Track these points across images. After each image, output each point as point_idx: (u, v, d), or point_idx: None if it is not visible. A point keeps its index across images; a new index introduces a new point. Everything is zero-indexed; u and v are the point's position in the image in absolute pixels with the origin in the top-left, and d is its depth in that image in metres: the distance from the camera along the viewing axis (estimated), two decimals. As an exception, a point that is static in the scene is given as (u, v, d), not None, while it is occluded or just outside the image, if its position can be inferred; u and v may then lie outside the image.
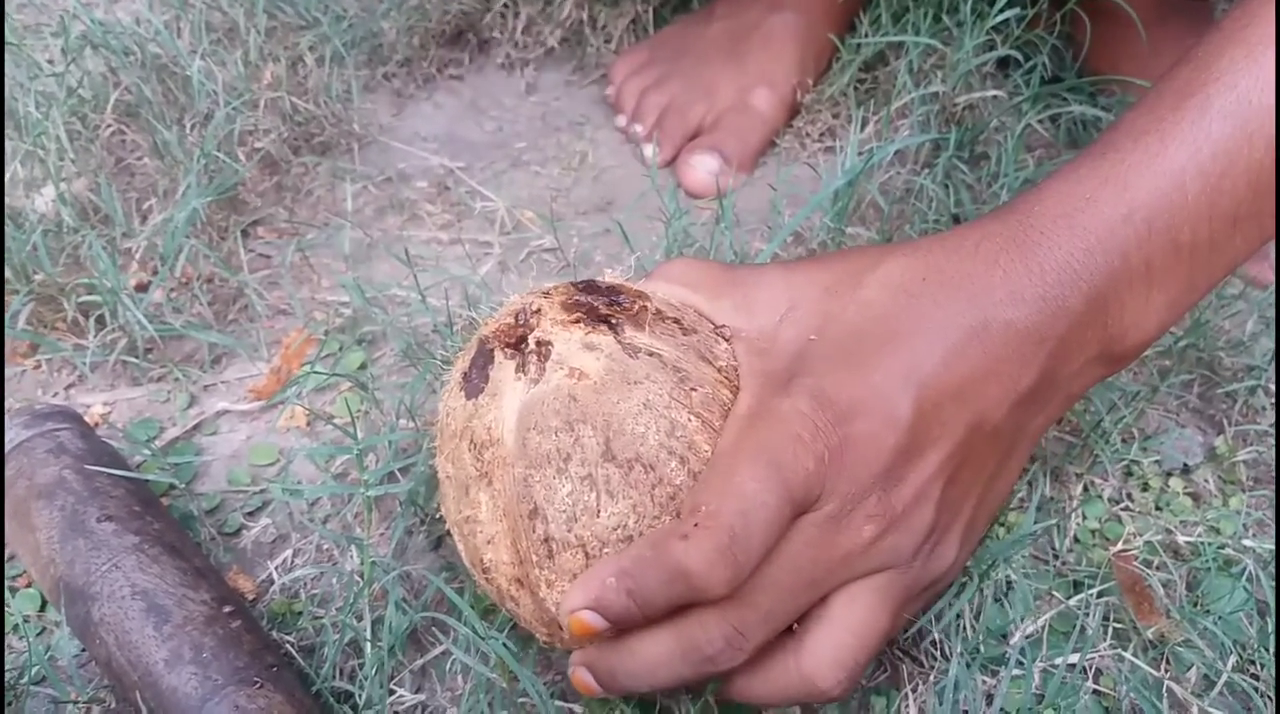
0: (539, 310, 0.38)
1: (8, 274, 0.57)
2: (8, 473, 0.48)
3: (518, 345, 0.37)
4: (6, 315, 0.56)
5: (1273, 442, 0.54)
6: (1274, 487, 0.53)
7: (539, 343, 0.37)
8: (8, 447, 0.48)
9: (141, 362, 0.58)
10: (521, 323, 0.38)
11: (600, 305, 0.38)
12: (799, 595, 0.35)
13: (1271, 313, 0.60)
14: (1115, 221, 0.36)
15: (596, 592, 0.34)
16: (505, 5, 0.78)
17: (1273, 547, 0.50)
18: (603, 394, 0.36)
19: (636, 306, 0.38)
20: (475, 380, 0.38)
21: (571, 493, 0.35)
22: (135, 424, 0.56)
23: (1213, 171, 0.36)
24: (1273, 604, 0.47)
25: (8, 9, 0.82)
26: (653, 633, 0.35)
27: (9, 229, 0.58)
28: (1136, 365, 0.58)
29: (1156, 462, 0.54)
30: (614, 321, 0.37)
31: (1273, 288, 0.60)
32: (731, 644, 0.34)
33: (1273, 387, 0.57)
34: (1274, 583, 0.48)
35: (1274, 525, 0.52)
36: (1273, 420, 0.56)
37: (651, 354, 0.37)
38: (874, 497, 0.35)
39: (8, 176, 0.64)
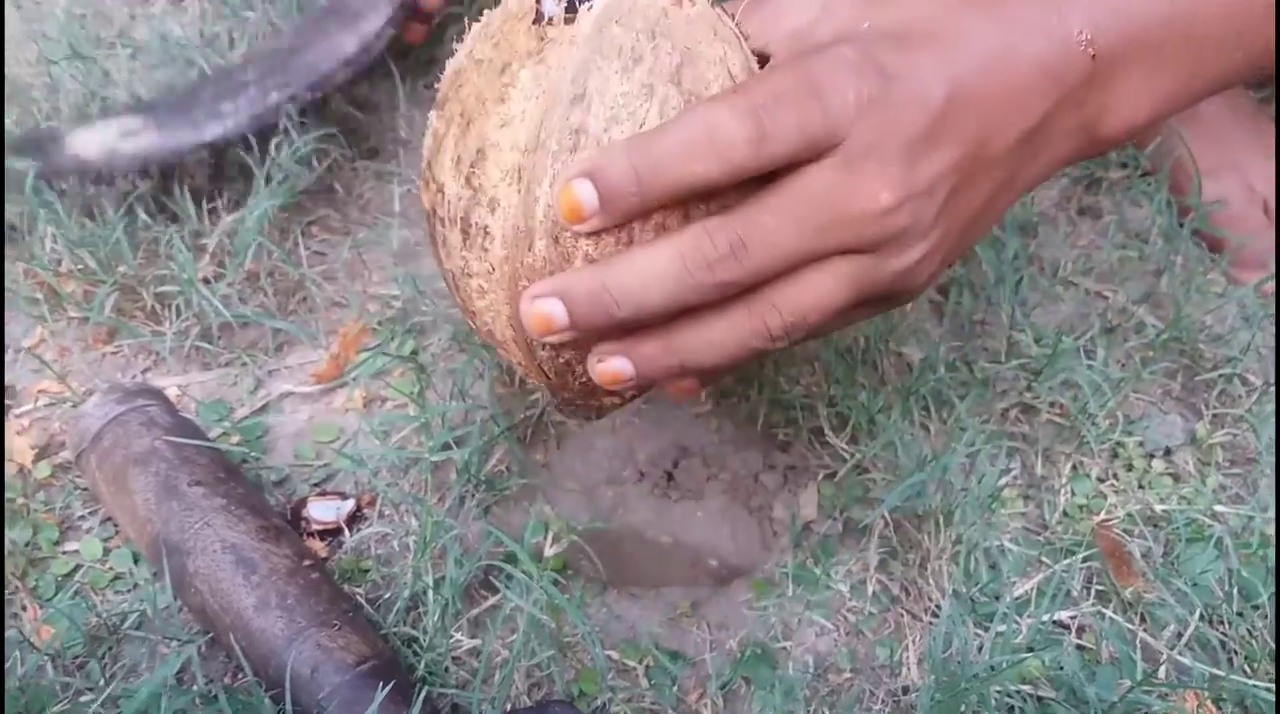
0: None
1: (93, 264, 0.64)
2: (105, 443, 0.54)
3: None
4: (93, 305, 0.63)
5: (1248, 425, 0.61)
6: (1247, 466, 0.59)
7: None
8: (104, 420, 0.55)
9: (213, 346, 0.65)
10: None
11: None
12: (804, 235, 0.35)
13: (1250, 308, 0.66)
14: None
15: (597, 157, 0.33)
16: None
17: (1244, 515, 0.56)
18: (692, 27, 0.36)
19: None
20: None
21: (626, 94, 0.34)
22: (207, 405, 0.63)
23: None
24: (1272, 593, 0.53)
25: (83, 15, 0.89)
26: (647, 247, 0.35)
27: (95, 224, 0.65)
28: (1124, 355, 0.64)
29: (1140, 444, 0.61)
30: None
31: (1250, 285, 0.66)
32: (734, 251, 0.34)
33: (1249, 375, 0.63)
34: (1275, 561, 0.54)
35: (1246, 499, 0.58)
36: (1249, 406, 0.62)
37: (738, 34, 0.38)
38: (895, 166, 0.35)
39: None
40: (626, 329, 0.36)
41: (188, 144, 0.68)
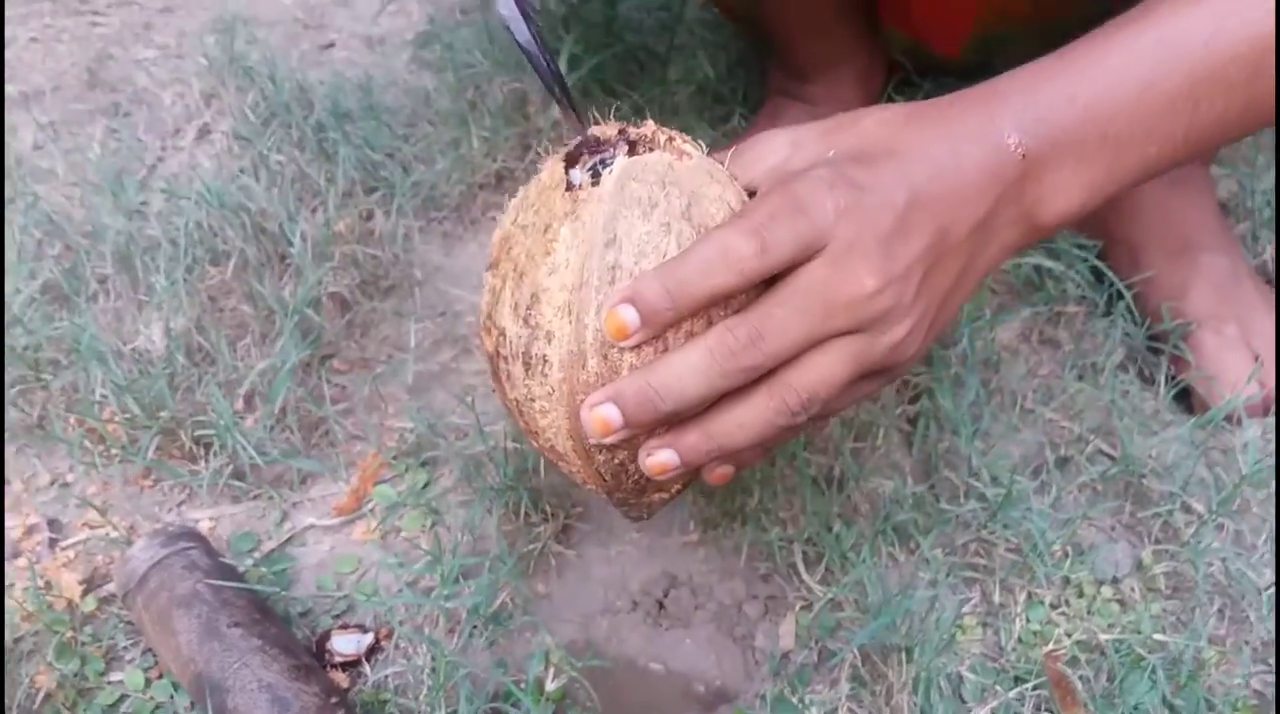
0: (638, 131, 0.46)
1: (136, 410, 0.71)
2: (151, 585, 0.61)
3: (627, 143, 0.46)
4: (137, 449, 0.70)
5: (1187, 557, 0.67)
6: (1186, 594, 0.66)
7: (647, 137, 0.46)
8: (149, 563, 0.61)
9: (243, 483, 0.71)
10: (623, 134, 0.46)
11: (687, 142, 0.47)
12: (808, 321, 0.42)
13: (1192, 442, 0.72)
14: (1062, 101, 0.46)
15: (633, 285, 0.42)
16: (537, 154, 0.92)
17: (1181, 643, 0.62)
18: (693, 175, 0.44)
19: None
20: (577, 156, 0.45)
21: (649, 233, 0.43)
22: (237, 536, 0.69)
23: (1142, 85, 0.46)
24: (1267, 654, 0.59)
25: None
26: (682, 348, 0.42)
27: (136, 369, 0.72)
28: (1075, 489, 0.70)
29: (1091, 571, 0.67)
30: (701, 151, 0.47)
31: (1190, 423, 0.72)
32: (752, 340, 0.41)
33: (1193, 503, 0.70)
34: (1275, 620, 0.59)
35: (1183, 627, 0.64)
36: (1190, 535, 0.68)
37: (730, 176, 0.47)
38: (875, 258, 0.42)
39: (117, 309, 0.78)
40: (669, 427, 0.44)
41: None
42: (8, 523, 0.70)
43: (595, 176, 0.44)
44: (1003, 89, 0.46)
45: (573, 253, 0.43)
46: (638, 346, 0.43)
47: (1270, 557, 0.67)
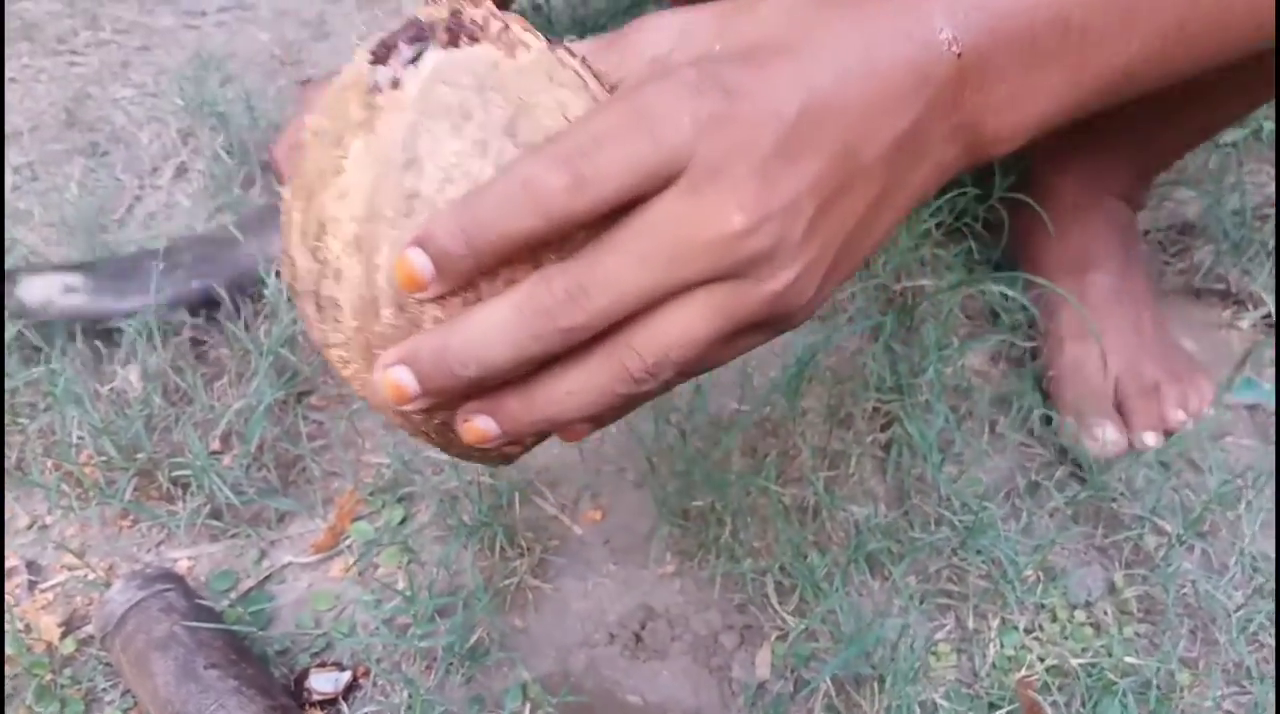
0: (475, 11, 0.36)
1: (113, 452, 0.72)
2: (128, 628, 0.62)
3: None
4: (114, 491, 0.71)
5: (1158, 580, 0.68)
6: (1158, 616, 0.67)
7: (473, 20, 0.36)
8: (127, 605, 0.62)
9: (221, 522, 0.72)
10: (456, 21, 0.36)
11: (552, 41, 0.37)
12: (651, 270, 0.33)
13: (1156, 467, 0.74)
14: None
15: (428, 226, 0.33)
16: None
17: (1153, 665, 0.63)
18: (525, 76, 0.35)
19: (573, 51, 0.37)
20: (392, 46, 0.35)
21: (458, 153, 0.33)
22: (216, 575, 0.70)
23: None
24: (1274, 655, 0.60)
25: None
26: (488, 302, 0.33)
27: (113, 411, 0.73)
28: (1047, 515, 0.72)
29: (1064, 594, 0.68)
30: (552, 44, 0.37)
31: (1155, 447, 0.74)
32: (572, 296, 0.32)
33: (1162, 525, 0.71)
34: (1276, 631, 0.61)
35: (1155, 649, 0.65)
36: (1160, 558, 0.69)
37: (578, 74, 0.36)
38: (748, 185, 0.32)
39: (95, 349, 0.80)
40: (491, 387, 0.35)
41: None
42: (-15, 567, 0.70)
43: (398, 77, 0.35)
44: None
45: (364, 174, 0.34)
46: (441, 298, 0.34)
47: (1240, 579, 0.69)
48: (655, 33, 0.37)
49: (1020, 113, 0.37)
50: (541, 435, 0.38)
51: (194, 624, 0.61)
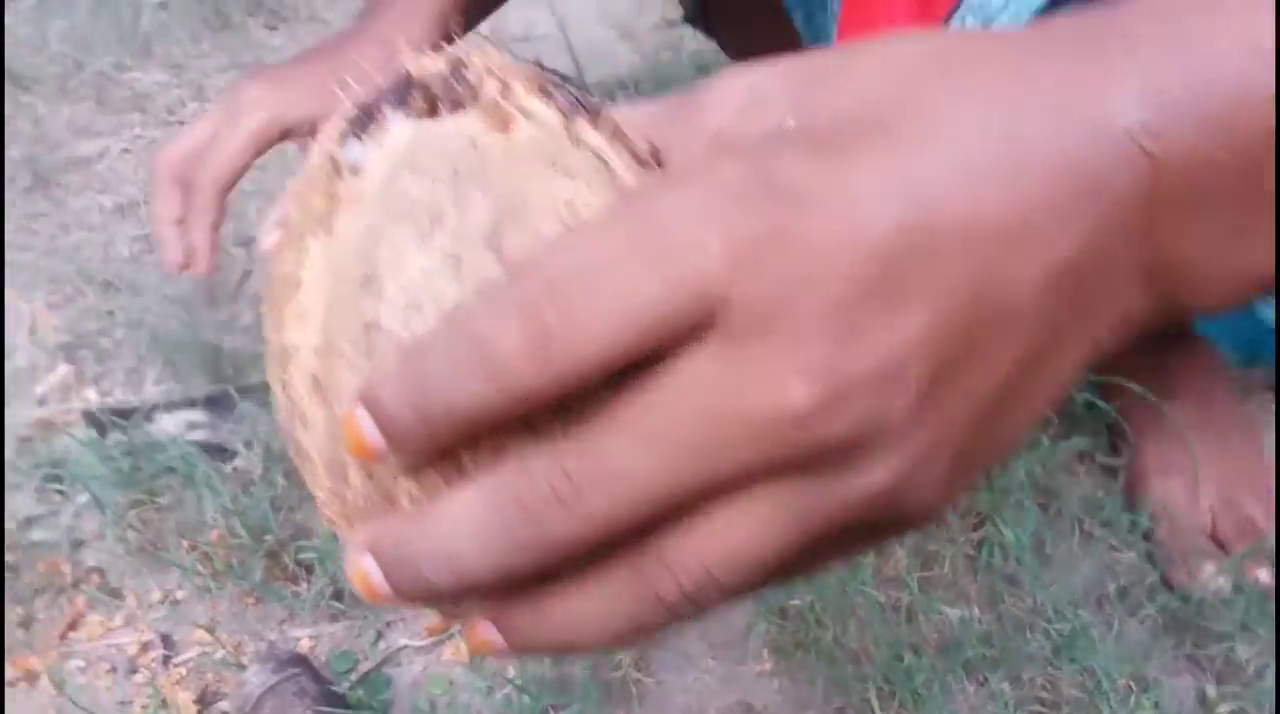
0: (478, 61, 0.27)
1: (243, 534, 0.77)
2: (265, 710, 0.66)
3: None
4: (244, 572, 0.76)
5: (1250, 695, 0.70)
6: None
7: (464, 80, 0.27)
8: (262, 688, 0.67)
9: (341, 603, 0.77)
10: (456, 73, 0.27)
11: (554, 84, 0.27)
12: (672, 462, 0.22)
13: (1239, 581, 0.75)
14: (1243, 49, 0.23)
15: (372, 388, 0.23)
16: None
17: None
18: (515, 162, 0.26)
19: (603, 111, 0.27)
20: (371, 113, 0.27)
21: (425, 270, 0.25)
22: (336, 656, 0.74)
23: None
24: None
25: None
26: (459, 488, 0.24)
27: (239, 490, 0.78)
28: (1137, 622, 0.74)
29: (1156, 709, 0.70)
30: (566, 107, 0.27)
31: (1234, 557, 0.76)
32: (560, 495, 0.22)
33: (1257, 637, 0.73)
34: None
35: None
36: (1253, 671, 0.71)
37: (600, 158, 0.26)
38: (815, 341, 0.21)
39: (213, 424, 0.85)
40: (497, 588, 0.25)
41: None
42: (125, 639, 0.75)
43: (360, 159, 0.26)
44: (1126, 28, 0.24)
45: (320, 291, 0.26)
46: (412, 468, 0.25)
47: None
48: (723, 93, 0.27)
49: (1248, 257, 0.25)
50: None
51: (325, 709, 0.66)
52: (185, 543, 0.79)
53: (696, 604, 0.24)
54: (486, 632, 0.26)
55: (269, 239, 0.32)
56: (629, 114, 0.28)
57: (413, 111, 0.26)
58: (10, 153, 1.23)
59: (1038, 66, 0.24)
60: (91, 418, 0.90)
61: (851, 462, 0.22)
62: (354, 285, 0.25)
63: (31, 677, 0.74)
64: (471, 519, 0.23)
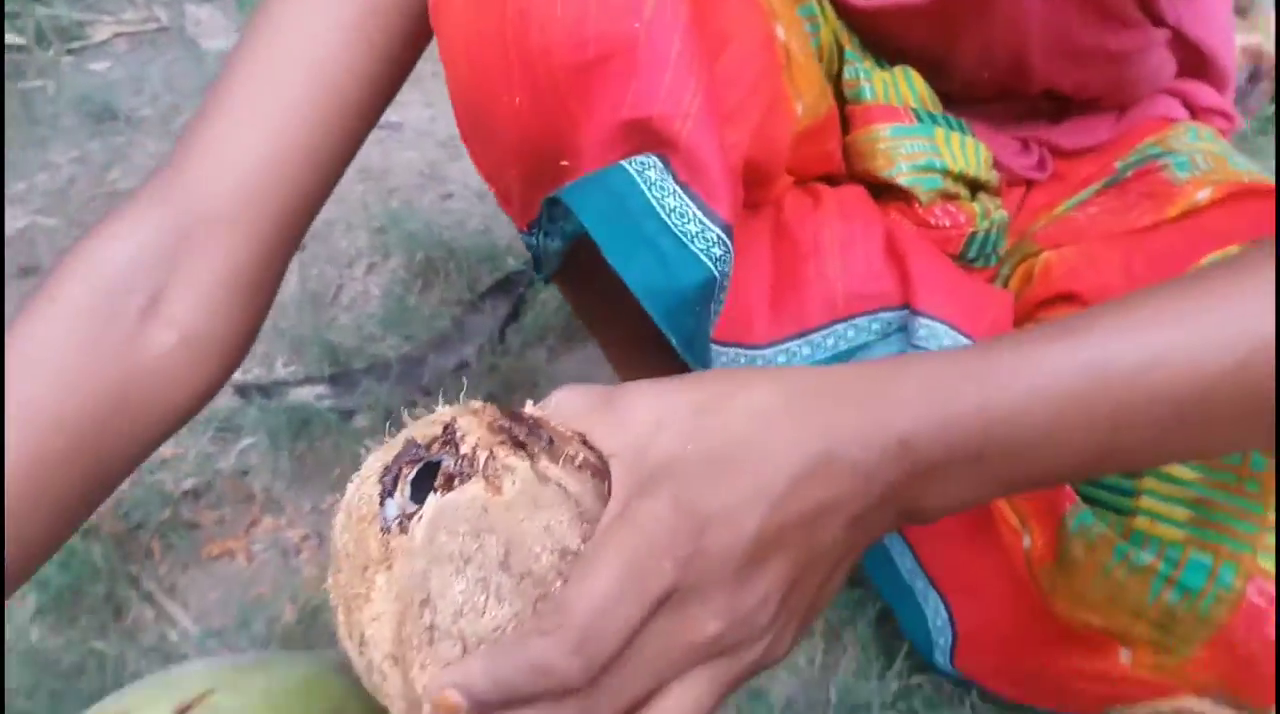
0: (466, 428, 0.42)
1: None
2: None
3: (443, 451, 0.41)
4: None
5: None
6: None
7: (464, 455, 0.41)
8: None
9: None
10: (449, 436, 0.42)
11: (520, 435, 0.42)
12: (644, 680, 0.39)
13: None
14: (970, 411, 0.41)
15: (464, 675, 0.38)
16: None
17: None
18: (511, 511, 0.40)
19: (555, 444, 0.42)
20: (395, 475, 0.42)
21: (464, 591, 0.40)
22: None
23: (1061, 405, 0.42)
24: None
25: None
26: None
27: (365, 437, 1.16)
28: None
29: None
30: (532, 451, 0.41)
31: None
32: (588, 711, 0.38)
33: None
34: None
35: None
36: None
37: (560, 485, 0.41)
38: (720, 599, 0.39)
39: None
40: None
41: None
42: (290, 533, 1.12)
43: (418, 498, 0.41)
44: (904, 383, 0.42)
45: (389, 606, 0.41)
46: None
47: None
48: (639, 411, 0.42)
49: (953, 500, 0.44)
50: None
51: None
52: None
53: None
54: None
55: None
56: (567, 404, 0.44)
57: (438, 486, 0.40)
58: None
59: (850, 415, 0.41)
60: (240, 390, 1.26)
61: (744, 648, 0.41)
62: (416, 605, 0.40)
63: (229, 554, 1.10)
64: None
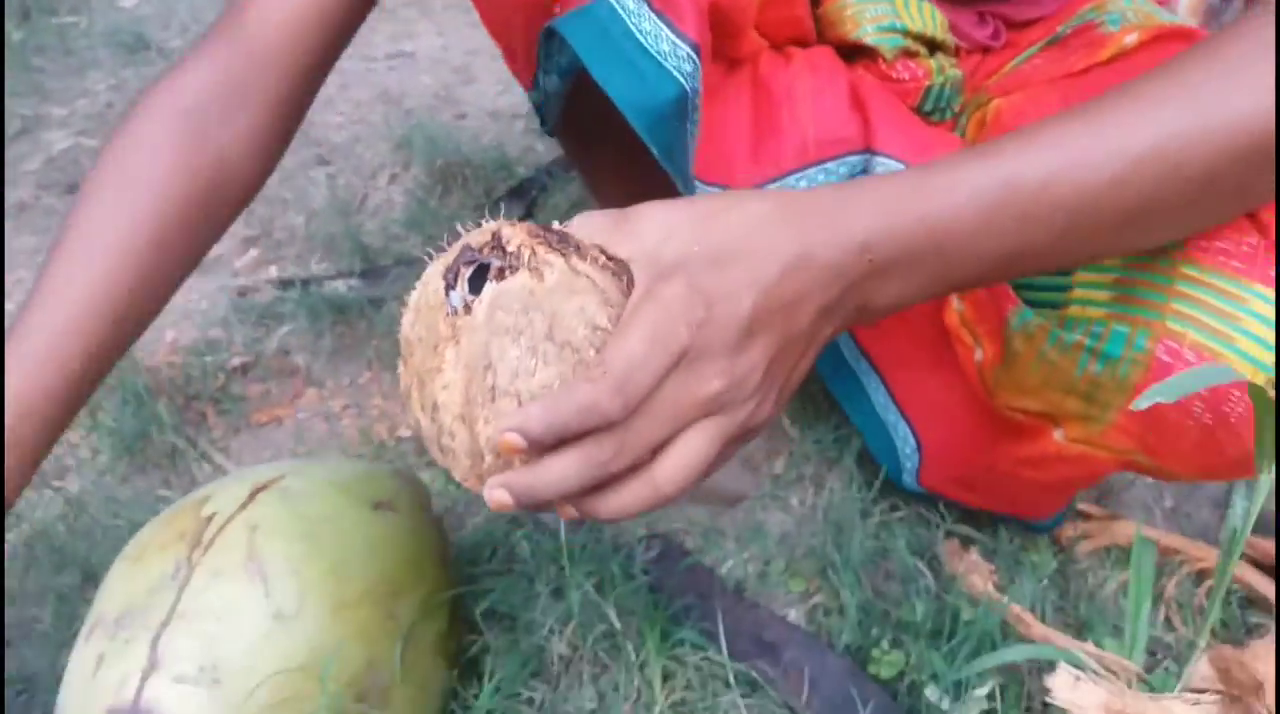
0: (510, 235, 0.50)
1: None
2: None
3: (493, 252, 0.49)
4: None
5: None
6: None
7: (510, 253, 0.49)
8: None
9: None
10: (496, 242, 0.49)
11: (553, 239, 0.50)
12: (665, 424, 0.48)
13: None
14: (912, 220, 0.51)
15: (522, 419, 0.46)
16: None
17: None
18: (553, 294, 0.48)
19: (580, 248, 0.50)
20: (455, 271, 0.49)
21: (518, 357, 0.48)
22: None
23: (982, 217, 0.51)
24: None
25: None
26: (560, 453, 0.48)
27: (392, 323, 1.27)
28: None
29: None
30: (564, 252, 0.49)
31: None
32: (619, 452, 0.48)
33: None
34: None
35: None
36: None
37: (588, 277, 0.49)
38: (722, 361, 0.48)
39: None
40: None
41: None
42: (332, 402, 1.24)
43: (475, 290, 0.48)
44: (863, 198, 0.52)
45: (457, 374, 0.48)
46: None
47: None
48: (650, 223, 0.50)
49: (898, 297, 0.54)
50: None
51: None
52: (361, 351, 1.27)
53: (679, 486, 0.50)
54: (569, 513, 0.51)
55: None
56: (585, 225, 0.52)
57: (491, 276, 0.49)
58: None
59: (820, 220, 0.51)
60: (280, 283, 1.38)
61: (737, 407, 0.50)
62: (480, 370, 0.48)
63: (276, 421, 1.22)
64: (569, 466, 0.48)
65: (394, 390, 1.24)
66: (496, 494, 0.48)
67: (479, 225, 0.52)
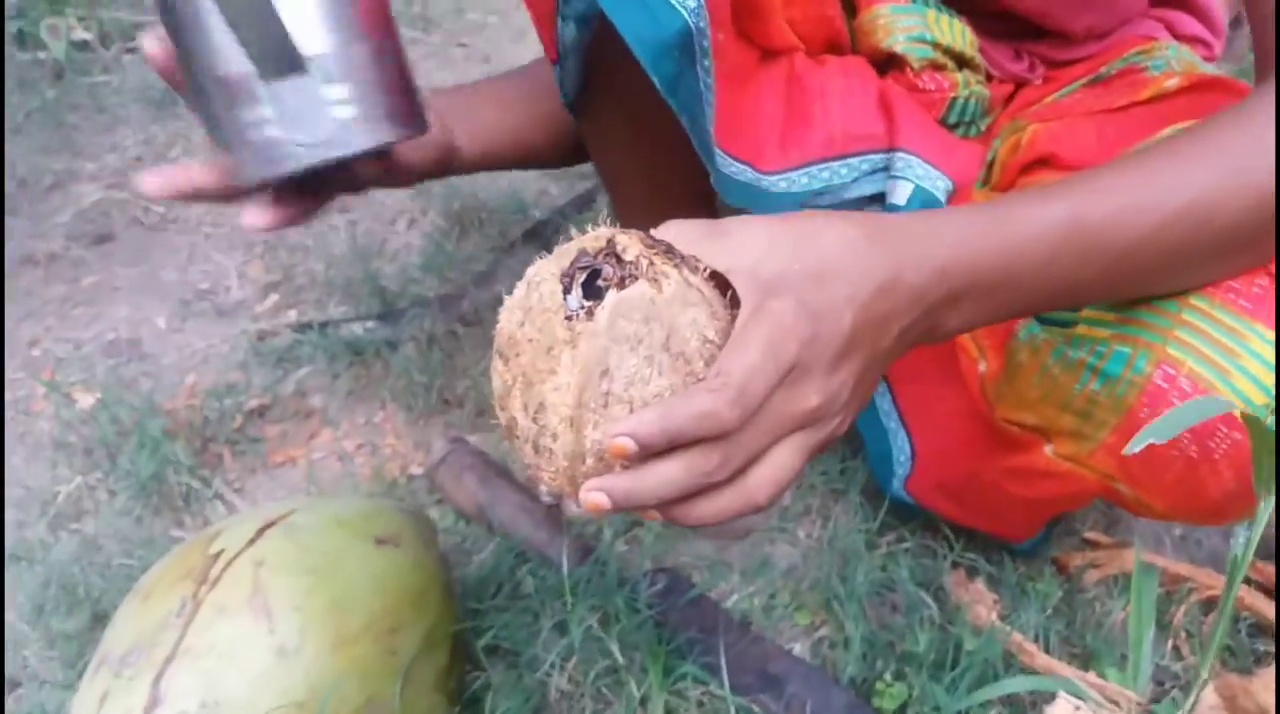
0: (625, 243, 0.50)
1: (418, 377, 1.28)
2: (446, 463, 1.17)
3: (610, 260, 0.50)
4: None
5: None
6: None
7: (629, 262, 0.50)
8: (443, 451, 1.17)
9: (485, 417, 1.28)
10: (610, 248, 0.50)
11: (664, 250, 0.51)
12: (765, 436, 0.50)
13: None
14: (991, 253, 0.55)
15: (636, 424, 0.47)
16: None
17: None
18: (670, 305, 0.49)
19: (686, 259, 0.51)
20: (571, 276, 0.50)
21: (636, 365, 0.49)
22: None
23: (1050, 253, 0.56)
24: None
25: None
26: (665, 459, 0.49)
27: (408, 365, 1.30)
28: None
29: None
30: (676, 262, 0.51)
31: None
32: (723, 463, 0.49)
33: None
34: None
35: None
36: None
37: (699, 289, 0.51)
38: (821, 378, 0.51)
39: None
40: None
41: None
42: (346, 443, 1.26)
43: (589, 295, 0.50)
44: (946, 226, 0.55)
45: (573, 377, 0.49)
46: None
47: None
48: (748, 238, 0.52)
49: (969, 322, 0.58)
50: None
51: (487, 455, 1.16)
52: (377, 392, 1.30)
53: (770, 498, 0.51)
54: (653, 516, 0.52)
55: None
56: (678, 235, 0.53)
57: (612, 284, 0.49)
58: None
59: (908, 247, 0.54)
60: (298, 327, 1.41)
61: (826, 422, 0.53)
62: (596, 376, 0.49)
63: (292, 461, 1.24)
64: (672, 473, 0.49)
65: (407, 429, 1.26)
66: (594, 496, 0.49)
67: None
